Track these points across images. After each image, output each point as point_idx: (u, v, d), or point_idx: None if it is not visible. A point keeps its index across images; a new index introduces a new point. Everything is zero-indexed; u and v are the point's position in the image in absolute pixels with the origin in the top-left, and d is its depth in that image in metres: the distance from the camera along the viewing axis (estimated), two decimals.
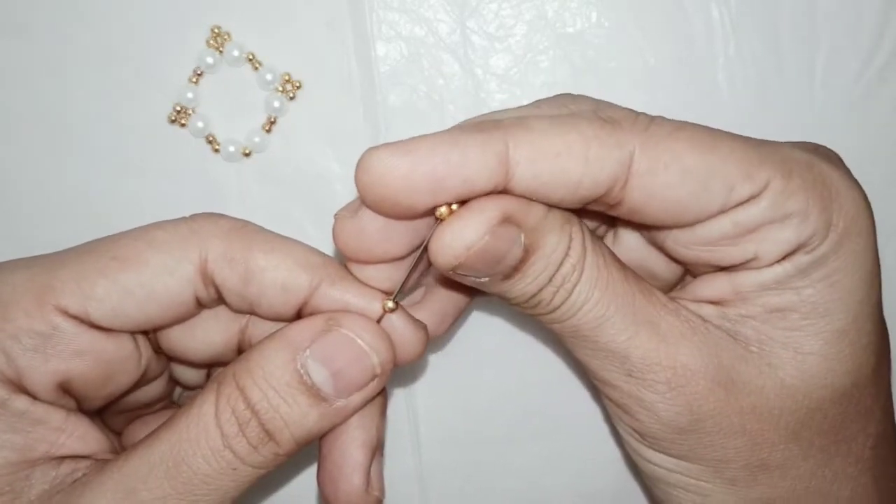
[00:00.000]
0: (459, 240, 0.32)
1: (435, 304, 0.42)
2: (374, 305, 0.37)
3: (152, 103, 0.49)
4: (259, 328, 0.39)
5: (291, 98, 0.49)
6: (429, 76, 0.49)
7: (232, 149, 0.49)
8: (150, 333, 0.39)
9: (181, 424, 0.34)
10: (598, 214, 0.36)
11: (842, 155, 0.38)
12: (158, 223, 0.37)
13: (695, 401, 0.35)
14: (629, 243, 0.40)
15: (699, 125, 0.34)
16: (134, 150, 0.49)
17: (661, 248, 0.38)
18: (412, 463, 0.52)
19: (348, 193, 0.48)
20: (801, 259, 0.34)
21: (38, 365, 0.34)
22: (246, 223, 0.38)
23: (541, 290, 0.34)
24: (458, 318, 0.44)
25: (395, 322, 0.37)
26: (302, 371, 0.35)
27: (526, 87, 0.49)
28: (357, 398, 0.36)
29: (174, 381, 0.44)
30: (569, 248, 0.34)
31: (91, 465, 0.35)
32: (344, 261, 0.37)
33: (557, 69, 0.49)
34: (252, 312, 0.38)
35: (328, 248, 0.41)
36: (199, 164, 0.50)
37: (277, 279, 0.36)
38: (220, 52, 0.48)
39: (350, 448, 0.38)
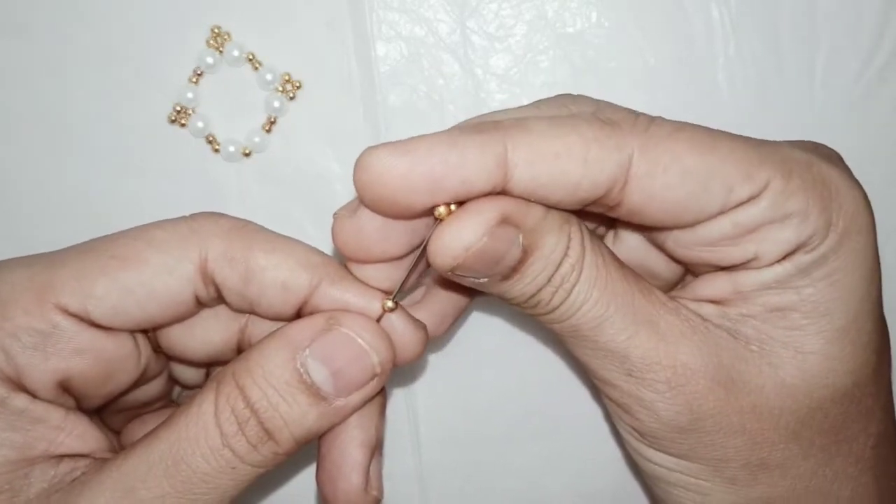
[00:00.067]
0: (458, 241, 0.32)
1: (435, 304, 0.42)
2: (374, 305, 0.37)
3: (152, 103, 0.49)
4: (259, 327, 0.39)
5: (291, 98, 0.49)
6: (429, 76, 0.49)
7: (232, 149, 0.49)
8: (150, 332, 0.39)
9: (180, 423, 0.34)
10: (598, 215, 0.36)
11: (842, 155, 0.38)
12: (158, 222, 0.37)
13: (695, 400, 0.35)
14: (629, 243, 0.40)
15: (699, 126, 0.34)
16: (134, 150, 0.49)
17: (662, 248, 0.38)
18: (412, 463, 0.52)
19: (348, 193, 0.48)
20: (802, 258, 0.34)
21: (37, 363, 0.34)
22: (246, 222, 0.38)
23: (540, 290, 0.34)
24: (458, 318, 0.44)
25: (395, 322, 0.37)
26: (301, 370, 0.35)
27: (526, 87, 0.49)
28: (356, 397, 0.36)
29: (173, 381, 0.43)
30: (567, 248, 0.34)
31: (90, 463, 0.35)
32: (344, 260, 0.37)
33: (557, 69, 0.49)
34: (252, 312, 0.38)
35: (328, 248, 0.41)
36: (199, 164, 0.50)
37: (278, 278, 0.36)
38: (220, 52, 0.48)
39: (349, 447, 0.38)
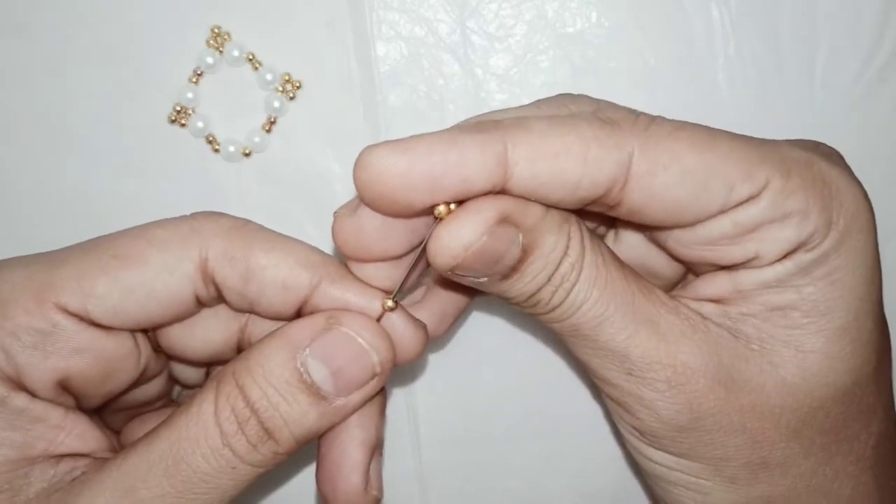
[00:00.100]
0: (457, 240, 0.32)
1: (435, 303, 0.42)
2: (374, 304, 0.37)
3: (152, 103, 0.49)
4: (259, 327, 0.39)
5: (291, 98, 0.49)
6: (429, 76, 0.49)
7: (232, 149, 0.49)
8: (150, 332, 0.39)
9: (180, 423, 0.34)
10: (599, 214, 0.36)
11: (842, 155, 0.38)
12: (159, 221, 0.37)
13: (695, 399, 0.35)
14: (630, 242, 0.40)
15: (699, 125, 0.34)
16: (134, 150, 0.49)
17: (663, 248, 0.38)
18: (412, 463, 0.52)
19: (348, 193, 0.48)
20: (802, 257, 0.34)
21: (37, 362, 0.34)
22: (246, 222, 0.38)
23: (540, 289, 0.34)
24: (459, 318, 0.44)
25: (395, 321, 0.37)
26: (302, 369, 0.35)
27: (526, 87, 0.49)
28: (357, 397, 0.36)
29: (173, 380, 0.43)
30: (567, 247, 0.34)
31: (90, 463, 0.35)
32: (344, 260, 0.37)
33: (557, 69, 0.49)
34: (252, 311, 0.38)
35: (328, 249, 0.41)
36: (199, 164, 0.50)
37: (278, 277, 0.36)
38: (220, 52, 0.48)
39: (349, 447, 0.38)
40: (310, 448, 0.38)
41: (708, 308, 0.36)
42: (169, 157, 0.49)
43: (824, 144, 0.37)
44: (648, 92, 0.49)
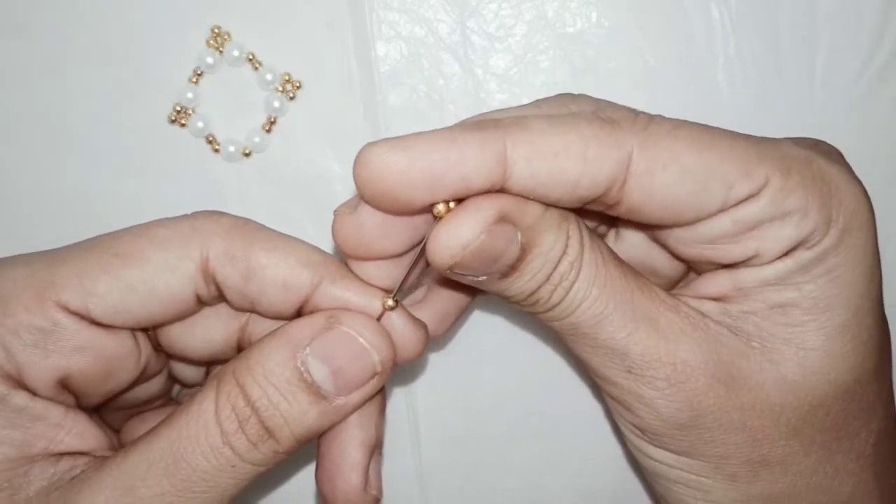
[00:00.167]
0: (456, 238, 0.32)
1: (436, 303, 0.42)
2: (375, 303, 0.37)
3: (152, 103, 0.49)
4: (259, 326, 0.39)
5: (291, 98, 0.49)
6: (429, 76, 0.49)
7: (232, 149, 0.49)
8: (150, 331, 0.39)
9: (181, 421, 0.34)
10: (599, 213, 0.36)
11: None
12: (160, 220, 0.37)
13: (695, 397, 0.35)
14: (631, 241, 0.40)
15: (698, 124, 0.34)
16: (134, 150, 0.49)
17: (663, 246, 0.38)
18: (412, 463, 0.52)
19: (348, 193, 0.48)
20: (803, 255, 0.34)
21: (37, 361, 0.34)
22: (247, 221, 0.38)
23: (539, 287, 0.34)
24: (460, 317, 0.44)
25: (395, 320, 0.37)
26: (302, 368, 0.35)
27: (526, 87, 0.49)
28: (357, 396, 0.36)
29: (173, 379, 0.43)
30: (566, 245, 0.34)
31: (89, 461, 0.35)
32: (344, 258, 0.37)
33: (557, 69, 0.49)
34: (252, 310, 0.38)
35: (328, 249, 0.41)
36: (199, 164, 0.50)
37: (279, 277, 0.36)
38: (220, 52, 0.48)
39: (349, 447, 0.38)
40: (310, 447, 0.38)
41: (708, 306, 0.36)
42: (169, 157, 0.49)
43: (824, 142, 0.37)
44: (648, 92, 0.49)
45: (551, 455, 0.52)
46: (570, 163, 0.32)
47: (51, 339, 0.34)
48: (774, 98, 0.49)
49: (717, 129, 0.34)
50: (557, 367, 0.51)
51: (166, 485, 0.34)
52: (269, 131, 0.49)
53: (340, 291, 0.37)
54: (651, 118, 0.34)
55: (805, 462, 0.36)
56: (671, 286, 0.41)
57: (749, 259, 0.35)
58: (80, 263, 0.35)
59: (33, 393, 0.35)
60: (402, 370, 0.50)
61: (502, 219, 0.33)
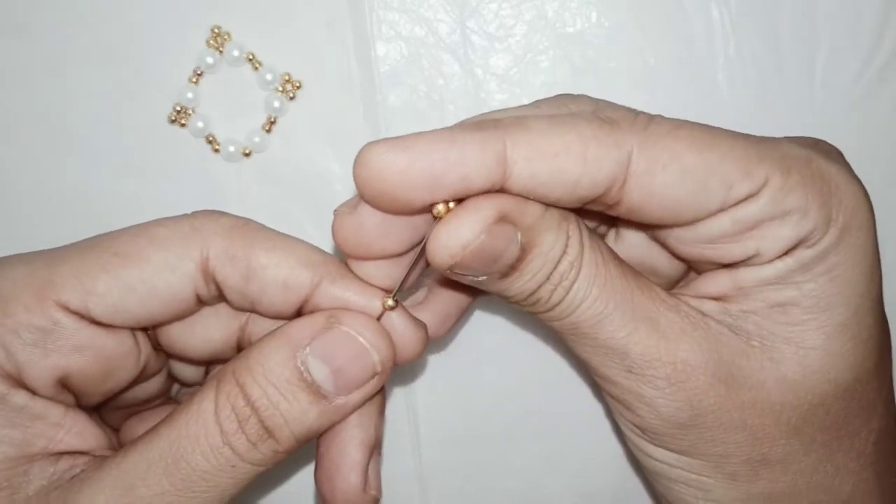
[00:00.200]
0: (455, 238, 0.32)
1: (437, 304, 0.42)
2: (375, 303, 0.37)
3: (152, 103, 0.49)
4: (259, 326, 0.39)
5: (291, 98, 0.49)
6: (429, 76, 0.49)
7: (232, 149, 0.49)
8: (150, 330, 0.39)
9: (180, 421, 0.34)
10: (599, 213, 0.36)
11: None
12: (160, 220, 0.37)
13: (695, 396, 0.35)
14: (631, 241, 0.40)
15: (698, 123, 0.34)
16: (134, 150, 0.49)
17: (664, 246, 0.38)
18: (412, 463, 0.52)
19: (348, 193, 0.48)
20: (803, 254, 0.34)
21: (37, 360, 0.34)
22: (247, 221, 0.38)
23: (539, 287, 0.34)
24: (460, 319, 0.44)
25: (395, 320, 0.37)
26: (302, 368, 0.35)
27: (526, 87, 0.49)
28: (357, 396, 0.36)
29: (172, 378, 0.43)
30: (566, 245, 0.34)
31: (89, 461, 0.35)
32: (344, 258, 0.37)
33: (557, 69, 0.49)
34: (252, 310, 0.38)
35: (328, 249, 0.41)
36: (199, 164, 0.50)
37: (279, 277, 0.36)
38: (220, 52, 0.48)
39: (348, 447, 0.38)
40: (309, 447, 0.38)
41: (708, 305, 0.36)
42: (169, 157, 0.49)
43: (823, 141, 0.37)
44: (648, 92, 0.49)
45: (551, 455, 0.52)
46: (570, 163, 0.32)
47: (50, 339, 0.34)
48: (774, 98, 0.49)
49: (717, 128, 0.34)
50: (557, 366, 0.51)
51: (166, 484, 0.34)
52: (269, 131, 0.49)
53: (340, 291, 0.37)
54: (651, 118, 0.34)
55: (805, 461, 0.36)
56: (671, 286, 0.41)
57: (749, 258, 0.35)
58: (79, 263, 0.35)
59: (33, 392, 0.35)
60: (401, 370, 0.50)
61: (502, 219, 0.33)
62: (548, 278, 0.34)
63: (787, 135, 0.38)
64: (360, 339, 0.36)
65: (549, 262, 0.34)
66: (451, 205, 0.33)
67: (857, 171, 0.36)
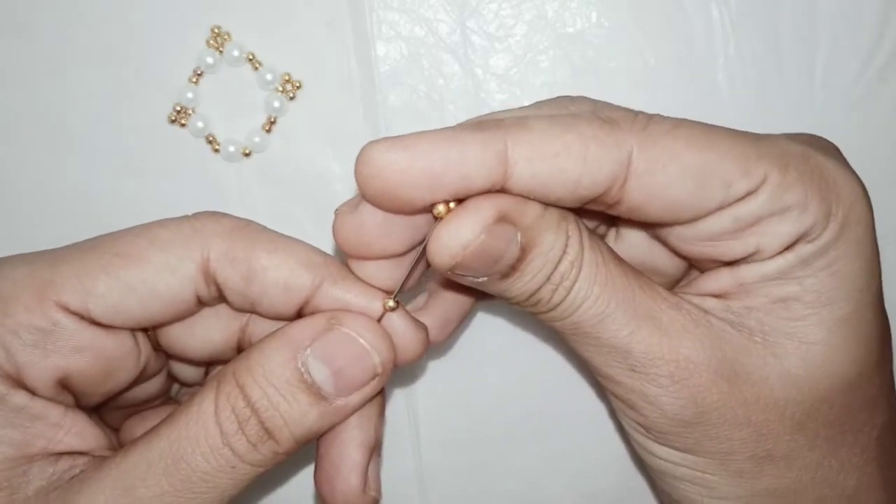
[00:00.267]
0: (456, 239, 0.32)
1: (437, 310, 0.42)
2: (375, 304, 0.37)
3: (152, 103, 0.49)
4: (259, 327, 0.39)
5: (291, 98, 0.49)
6: (429, 76, 0.49)
7: (232, 149, 0.49)
8: (150, 331, 0.39)
9: (180, 422, 0.34)
10: (599, 213, 0.36)
11: None
12: (160, 221, 0.37)
13: (698, 393, 0.35)
14: (632, 240, 0.40)
15: (697, 122, 0.34)
16: (134, 150, 0.49)
17: (664, 244, 0.38)
18: (412, 464, 0.52)
19: (348, 193, 0.48)
20: (803, 249, 0.34)
21: (37, 360, 0.34)
22: (248, 222, 0.38)
23: (540, 288, 0.34)
24: (461, 322, 0.44)
25: (396, 322, 0.37)
26: (302, 369, 0.35)
27: (526, 87, 0.49)
28: (357, 397, 0.36)
29: (172, 378, 0.43)
30: (566, 245, 0.34)
31: (89, 461, 0.35)
32: (345, 259, 0.37)
33: (557, 69, 0.49)
34: (253, 311, 0.38)
35: (328, 249, 0.41)
36: (199, 164, 0.50)
37: (279, 278, 0.36)
38: (220, 52, 0.48)
39: (348, 448, 0.38)
40: (309, 448, 0.38)
41: (710, 303, 0.36)
42: (169, 157, 0.49)
43: (820, 137, 0.37)
44: (648, 92, 0.49)
45: (552, 456, 0.52)
46: (570, 163, 0.32)
47: (50, 339, 0.34)
48: (774, 98, 0.49)
49: (716, 127, 0.34)
50: (558, 367, 0.51)
51: (166, 485, 0.33)
52: (269, 131, 0.49)
53: (341, 292, 0.37)
54: (650, 118, 0.34)
55: (810, 456, 0.36)
56: (673, 285, 0.41)
57: (750, 255, 0.35)
58: (80, 263, 0.35)
59: (33, 392, 0.35)
60: (402, 372, 0.50)
61: (502, 219, 0.33)
62: (548, 278, 0.34)
63: None
64: (361, 340, 0.36)
65: (550, 262, 0.34)
66: (452, 205, 0.33)
67: (857, 171, 0.36)
